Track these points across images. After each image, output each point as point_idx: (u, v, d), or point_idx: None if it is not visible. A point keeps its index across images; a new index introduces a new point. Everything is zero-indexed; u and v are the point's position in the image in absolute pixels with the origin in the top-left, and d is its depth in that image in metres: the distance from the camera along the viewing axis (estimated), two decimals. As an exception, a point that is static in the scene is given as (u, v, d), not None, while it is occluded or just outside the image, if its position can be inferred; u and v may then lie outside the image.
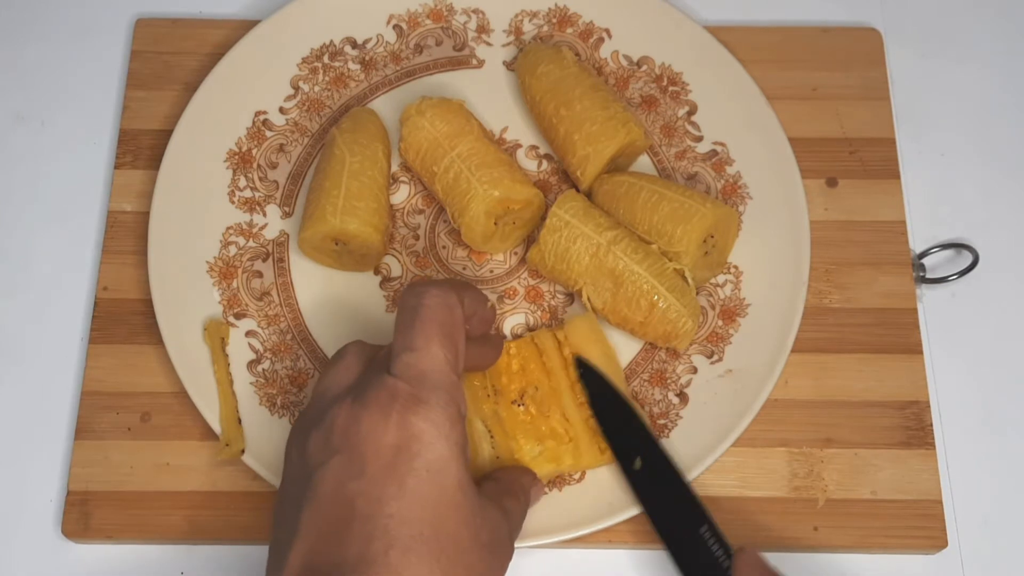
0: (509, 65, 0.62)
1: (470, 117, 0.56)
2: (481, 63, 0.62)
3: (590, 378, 0.52)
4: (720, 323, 0.56)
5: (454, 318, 0.45)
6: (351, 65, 0.62)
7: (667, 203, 0.53)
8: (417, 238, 0.58)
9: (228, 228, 0.58)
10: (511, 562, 0.45)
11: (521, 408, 0.52)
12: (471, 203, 0.54)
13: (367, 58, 0.62)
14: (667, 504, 0.50)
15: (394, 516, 0.41)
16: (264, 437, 0.53)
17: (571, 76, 0.57)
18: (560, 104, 0.56)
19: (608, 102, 0.56)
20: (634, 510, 0.51)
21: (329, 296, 0.56)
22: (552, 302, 0.57)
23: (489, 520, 0.44)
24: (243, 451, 0.52)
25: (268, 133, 0.60)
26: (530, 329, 0.56)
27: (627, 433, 0.51)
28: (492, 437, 0.51)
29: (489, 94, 0.61)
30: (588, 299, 0.54)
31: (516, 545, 0.50)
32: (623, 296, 0.52)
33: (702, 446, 0.52)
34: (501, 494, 0.47)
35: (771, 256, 0.56)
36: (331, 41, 0.62)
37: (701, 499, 0.49)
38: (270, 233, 0.58)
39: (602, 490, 0.52)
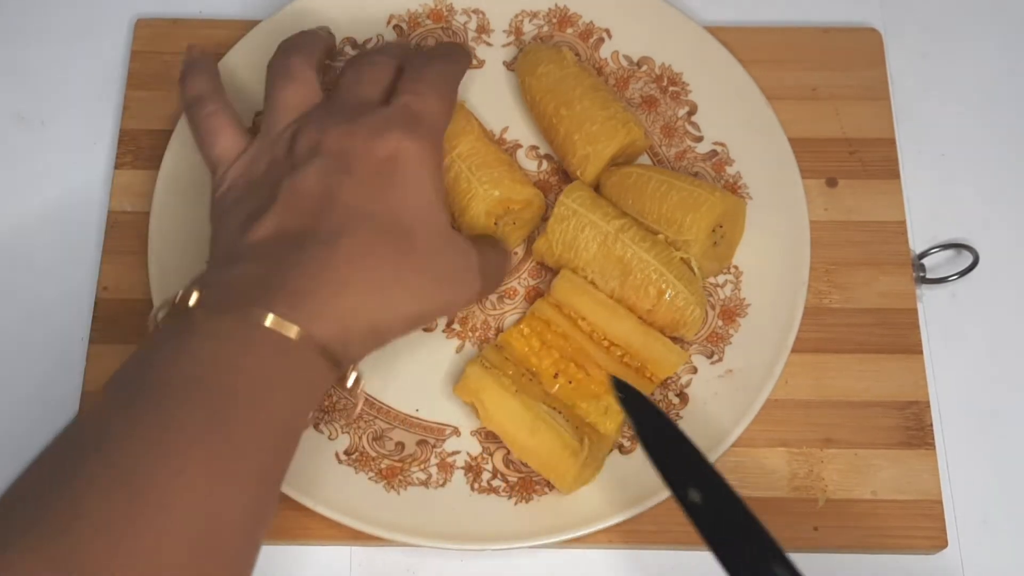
0: (509, 65, 0.62)
1: (470, 117, 0.56)
2: (481, 63, 0.62)
3: (632, 402, 0.49)
4: (720, 323, 0.56)
5: (454, 82, 0.52)
6: (351, 65, 0.62)
7: (676, 192, 0.53)
8: (417, 238, 0.58)
9: (228, 228, 0.58)
10: (515, 560, 0.44)
11: (563, 379, 0.52)
12: (471, 203, 0.54)
13: (367, 58, 0.62)
14: (734, 540, 0.43)
15: (371, 212, 0.45)
16: (264, 437, 0.53)
17: (571, 76, 0.57)
18: (560, 104, 0.56)
19: (608, 102, 0.56)
20: (635, 510, 0.51)
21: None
22: (552, 302, 0.57)
23: (457, 247, 0.49)
24: (243, 451, 0.52)
25: (268, 133, 0.60)
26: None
27: (681, 461, 0.46)
28: (560, 413, 0.51)
29: (489, 94, 0.61)
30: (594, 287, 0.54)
31: (515, 546, 0.50)
32: (631, 284, 0.53)
33: (702, 446, 0.52)
34: (480, 240, 0.52)
35: (771, 256, 0.57)
36: (331, 41, 0.62)
37: (772, 535, 0.43)
38: (270, 233, 0.58)
39: (602, 490, 0.52)
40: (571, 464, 0.49)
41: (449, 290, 0.48)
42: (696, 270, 0.53)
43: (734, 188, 0.58)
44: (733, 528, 0.43)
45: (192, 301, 0.42)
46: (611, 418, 0.52)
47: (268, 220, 0.45)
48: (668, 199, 0.53)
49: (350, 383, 0.46)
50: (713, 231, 0.54)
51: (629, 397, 0.49)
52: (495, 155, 0.55)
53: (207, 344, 0.40)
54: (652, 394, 0.54)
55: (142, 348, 0.42)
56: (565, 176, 0.59)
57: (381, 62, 0.52)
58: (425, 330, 0.56)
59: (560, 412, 0.51)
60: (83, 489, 0.36)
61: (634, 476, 0.52)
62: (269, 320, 0.41)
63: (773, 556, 0.42)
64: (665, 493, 0.51)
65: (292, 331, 0.41)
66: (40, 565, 0.34)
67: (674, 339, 0.54)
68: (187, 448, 0.37)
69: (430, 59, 0.52)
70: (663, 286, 0.52)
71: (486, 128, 0.57)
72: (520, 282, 0.57)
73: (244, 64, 0.61)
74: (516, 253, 0.58)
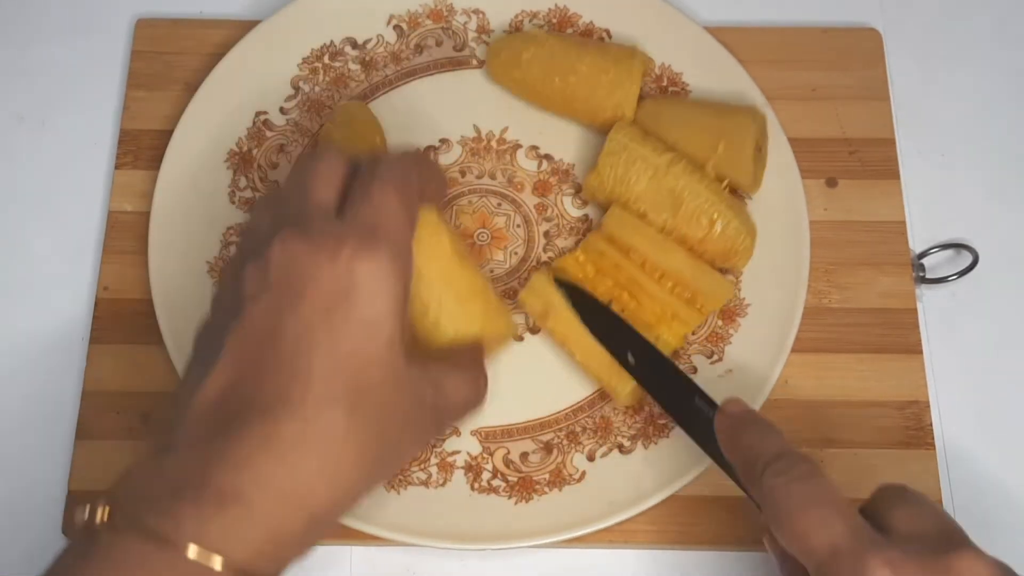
0: (509, 65, 0.62)
1: (440, 233, 0.47)
2: (481, 63, 0.62)
3: (575, 295, 0.53)
4: (720, 323, 0.56)
5: (411, 182, 0.45)
6: (351, 65, 0.62)
7: (712, 113, 0.57)
8: (417, 238, 0.58)
9: (228, 228, 0.58)
10: (515, 560, 0.45)
11: (616, 307, 0.53)
12: (438, 335, 0.48)
13: (367, 58, 0.62)
14: (663, 385, 0.51)
15: (318, 364, 0.40)
16: (264, 437, 0.53)
17: (558, 45, 0.58)
18: (567, 73, 0.57)
19: (602, 47, 0.58)
20: (634, 510, 0.51)
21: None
22: (552, 302, 0.57)
23: (415, 388, 0.43)
24: (243, 451, 0.52)
25: (268, 133, 0.60)
26: (531, 330, 0.56)
27: (618, 336, 0.52)
28: None
29: (489, 94, 0.61)
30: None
31: (515, 545, 0.50)
32: (683, 215, 0.54)
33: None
34: (448, 369, 0.46)
35: (771, 256, 0.56)
36: (331, 41, 0.62)
37: (686, 374, 0.52)
38: (270, 233, 0.58)
39: (602, 490, 0.52)
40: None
41: (400, 451, 0.44)
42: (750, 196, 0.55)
43: (733, 191, 0.58)
44: (662, 375, 0.51)
45: (99, 517, 0.38)
46: (661, 348, 0.52)
47: (213, 380, 0.40)
48: (707, 128, 0.56)
49: None
50: (758, 145, 0.56)
51: (570, 292, 0.53)
52: (468, 281, 0.48)
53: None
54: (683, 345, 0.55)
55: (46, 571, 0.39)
56: (565, 176, 0.59)
57: (331, 158, 0.45)
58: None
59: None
60: None
61: (634, 476, 0.52)
62: (192, 552, 0.37)
63: (693, 391, 0.50)
64: (665, 493, 0.51)
65: (215, 561, 0.37)
66: None
67: (724, 271, 0.55)
68: None
69: (387, 158, 0.46)
70: (715, 216, 0.53)
71: (456, 238, 0.49)
72: (520, 282, 0.57)
73: (244, 64, 0.60)
74: (516, 253, 0.58)
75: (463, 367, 0.47)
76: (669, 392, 0.51)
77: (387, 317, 0.41)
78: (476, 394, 0.48)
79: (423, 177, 0.47)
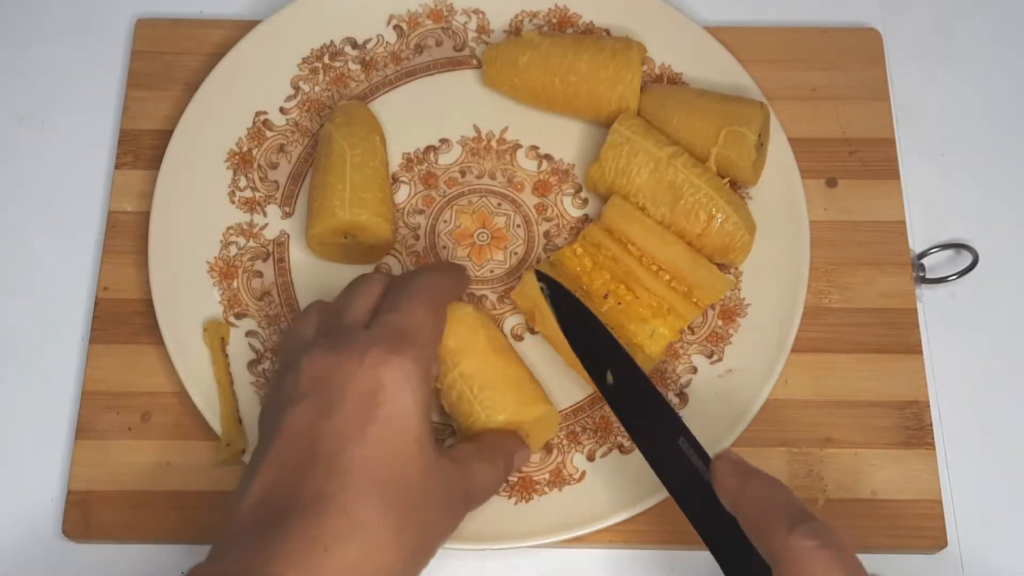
0: (509, 65, 0.62)
1: (477, 328, 0.51)
2: (481, 63, 0.62)
3: (556, 294, 0.52)
4: (720, 323, 0.56)
5: (434, 289, 0.49)
6: (351, 65, 0.62)
7: (719, 102, 0.56)
8: (417, 238, 0.58)
9: (228, 228, 0.58)
10: (515, 560, 0.45)
11: (613, 299, 0.53)
12: (474, 426, 0.50)
13: (367, 58, 0.62)
14: (643, 417, 0.49)
15: (354, 459, 0.43)
16: (264, 437, 0.53)
17: (555, 46, 0.58)
18: (567, 72, 0.57)
19: (598, 43, 0.58)
20: (634, 510, 0.51)
21: (329, 296, 0.56)
22: (552, 302, 0.57)
23: (444, 478, 0.46)
24: (243, 451, 0.52)
25: (268, 133, 0.60)
26: (530, 330, 0.56)
27: (598, 348, 0.50)
28: (613, 329, 0.52)
29: (488, 94, 0.61)
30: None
31: (515, 545, 0.50)
32: (682, 209, 0.54)
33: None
34: (473, 456, 0.48)
35: (771, 256, 0.57)
36: (331, 41, 0.62)
37: (675, 410, 0.48)
38: (270, 233, 0.58)
39: (602, 490, 0.52)
40: None
41: (433, 539, 0.46)
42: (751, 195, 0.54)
43: (734, 187, 0.58)
44: (643, 407, 0.49)
45: None
46: (656, 342, 0.52)
47: (258, 482, 0.43)
48: (711, 111, 0.55)
49: None
50: (760, 139, 0.55)
51: (552, 289, 0.52)
52: (502, 372, 0.51)
53: None
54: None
55: None
56: (565, 176, 0.59)
57: (373, 281, 0.50)
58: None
59: (613, 329, 0.52)
60: None
61: (634, 476, 0.52)
62: None
63: (678, 431, 0.47)
64: (664, 493, 0.51)
65: None
66: None
67: (723, 267, 0.55)
68: None
69: (416, 272, 0.50)
70: (713, 211, 0.53)
71: (495, 333, 0.52)
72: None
73: (244, 64, 0.61)
74: (515, 253, 0.58)
75: (488, 453, 0.49)
76: (648, 426, 0.48)
77: (413, 413, 0.44)
78: (497, 479, 0.50)
79: (449, 284, 0.51)
